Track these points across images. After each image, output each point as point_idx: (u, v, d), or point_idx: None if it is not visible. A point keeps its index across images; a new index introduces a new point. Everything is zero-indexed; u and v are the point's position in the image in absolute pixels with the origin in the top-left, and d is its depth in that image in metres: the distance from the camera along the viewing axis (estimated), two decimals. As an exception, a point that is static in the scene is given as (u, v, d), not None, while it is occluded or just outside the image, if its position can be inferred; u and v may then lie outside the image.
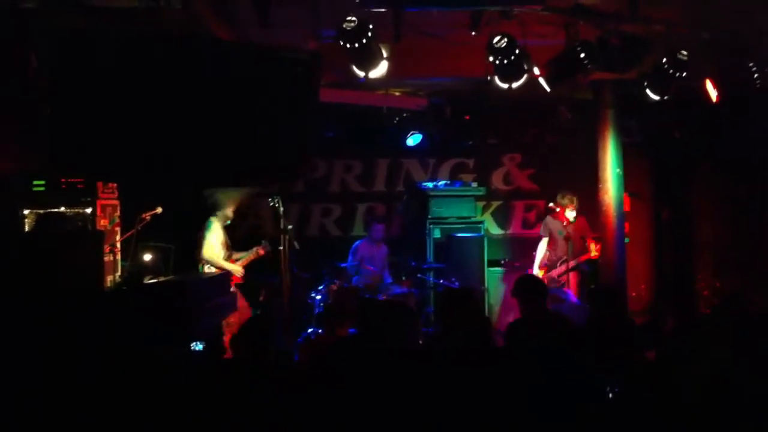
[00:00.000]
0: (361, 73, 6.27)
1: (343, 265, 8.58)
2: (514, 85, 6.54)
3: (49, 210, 6.21)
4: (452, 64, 7.54)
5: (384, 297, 8.01)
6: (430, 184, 9.61)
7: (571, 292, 8.56)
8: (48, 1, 5.88)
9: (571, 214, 8.80)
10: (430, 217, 9.28)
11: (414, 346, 5.71)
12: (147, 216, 6.80)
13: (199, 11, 6.14)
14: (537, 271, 8.91)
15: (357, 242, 9.15)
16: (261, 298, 8.16)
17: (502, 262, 9.78)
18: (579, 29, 6.50)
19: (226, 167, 6.39)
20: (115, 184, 6.64)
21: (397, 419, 3.51)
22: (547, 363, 3.65)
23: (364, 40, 5.91)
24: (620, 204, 8.63)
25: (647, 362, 4.67)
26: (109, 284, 6.22)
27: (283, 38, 6.53)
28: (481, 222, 9.60)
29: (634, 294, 9.59)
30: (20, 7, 5.84)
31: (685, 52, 6.63)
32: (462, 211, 9.41)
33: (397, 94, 9.14)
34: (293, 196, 9.59)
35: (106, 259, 6.05)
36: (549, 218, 9.06)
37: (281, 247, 7.16)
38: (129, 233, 6.73)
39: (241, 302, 7.36)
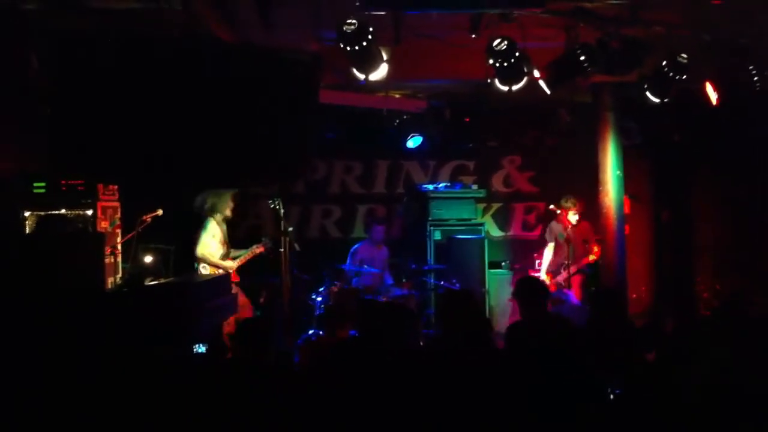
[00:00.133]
0: (362, 76, 6.28)
1: (343, 267, 8.58)
2: (514, 87, 6.55)
3: (49, 212, 6.21)
4: (452, 66, 7.55)
5: (384, 299, 8.00)
6: (430, 186, 9.61)
7: (572, 294, 8.57)
8: (48, 3, 5.88)
9: (573, 217, 8.85)
10: (430, 219, 9.28)
11: (414, 348, 5.71)
12: (147, 218, 6.80)
13: (200, 13, 6.14)
14: (544, 277, 8.94)
15: (357, 245, 9.15)
16: (261, 300, 8.16)
17: (503, 263, 9.77)
18: (579, 32, 6.51)
19: (226, 168, 6.41)
20: (115, 186, 6.64)
21: (398, 420, 3.52)
22: (547, 364, 3.65)
23: (365, 43, 5.92)
24: (620, 206, 8.63)
25: (647, 364, 4.67)
26: (110, 286, 6.22)
27: (284, 40, 6.54)
28: (482, 224, 9.60)
29: (634, 296, 9.59)
30: (21, 8, 5.85)
31: (685, 55, 6.64)
32: (462, 213, 9.41)
33: (397, 96, 9.15)
34: (293, 197, 9.59)
35: (106, 260, 6.05)
36: (553, 223, 9.12)
37: (282, 249, 7.16)
38: (129, 235, 6.73)
39: (242, 299, 7.36)
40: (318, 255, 8.67)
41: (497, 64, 6.32)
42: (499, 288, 9.07)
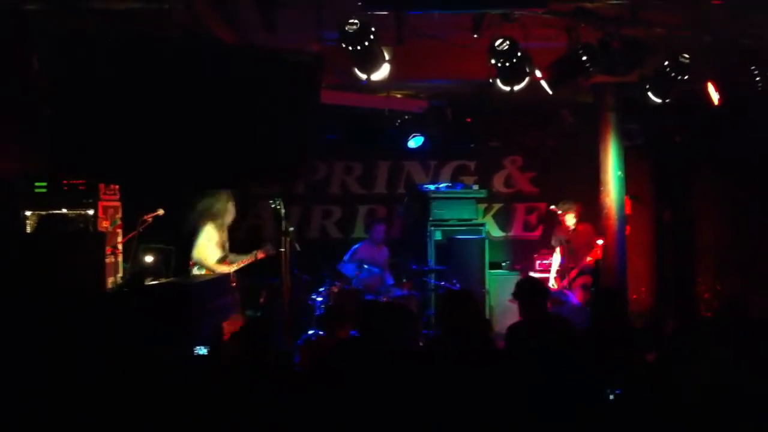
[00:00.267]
0: (363, 76, 6.27)
1: (344, 272, 8.58)
2: (516, 87, 6.55)
3: (50, 211, 6.21)
4: (453, 66, 7.55)
5: (385, 299, 8.00)
6: (431, 187, 9.61)
7: (572, 295, 8.57)
8: (49, 3, 5.89)
9: (571, 221, 8.85)
10: (431, 219, 9.28)
11: (414, 348, 5.71)
12: (149, 218, 6.80)
13: (201, 14, 6.15)
14: (552, 281, 8.97)
15: (357, 244, 9.15)
16: (261, 300, 8.16)
17: (503, 264, 9.77)
18: (580, 32, 6.51)
19: (226, 168, 6.40)
20: (117, 186, 6.64)
21: (398, 420, 3.52)
22: (547, 364, 3.65)
23: (366, 43, 5.92)
24: (621, 207, 8.62)
25: (647, 364, 4.66)
26: (110, 286, 6.22)
27: (285, 40, 6.54)
28: (483, 224, 9.60)
29: (635, 297, 9.59)
30: (21, 8, 5.85)
31: (687, 56, 6.64)
32: (463, 213, 9.41)
33: (399, 96, 9.15)
34: (294, 197, 9.60)
35: (107, 260, 6.05)
36: (556, 227, 9.15)
37: (282, 249, 7.17)
38: (130, 235, 6.73)
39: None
40: (318, 255, 8.67)
41: (499, 64, 6.32)
42: (499, 288, 9.07)
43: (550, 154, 10.12)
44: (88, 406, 3.63)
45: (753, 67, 6.98)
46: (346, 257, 8.93)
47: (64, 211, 6.28)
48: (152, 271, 7.00)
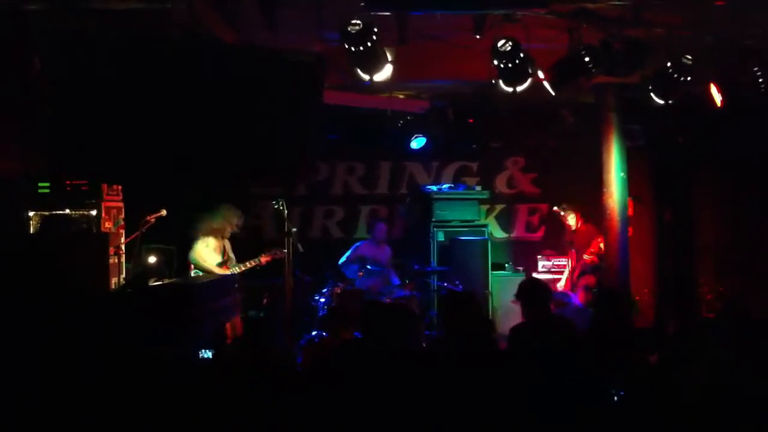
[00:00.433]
0: (366, 77, 6.27)
1: (347, 272, 8.58)
2: (519, 88, 6.54)
3: (54, 212, 6.22)
4: (455, 67, 7.55)
5: (388, 300, 8.00)
6: (434, 187, 9.62)
7: (575, 296, 8.58)
8: (49, 3, 5.89)
9: (571, 221, 8.90)
10: (433, 220, 9.29)
11: (417, 349, 5.71)
12: (151, 218, 6.81)
13: (202, 14, 6.15)
14: (563, 282, 9.08)
15: (359, 242, 9.16)
16: (264, 301, 8.16)
17: (506, 265, 9.77)
18: (582, 33, 6.51)
19: (226, 169, 6.41)
20: (119, 187, 6.66)
21: (400, 421, 3.52)
22: (550, 366, 3.65)
23: (369, 44, 5.92)
24: (624, 208, 8.62)
25: (650, 365, 4.66)
26: (113, 286, 6.23)
27: (286, 41, 6.54)
28: (485, 225, 9.62)
29: (637, 298, 9.58)
30: (21, 8, 5.86)
31: (689, 56, 6.63)
32: (466, 214, 9.42)
33: (401, 97, 9.15)
34: (296, 198, 9.60)
35: (110, 261, 6.06)
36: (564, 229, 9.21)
37: (285, 250, 7.17)
38: (133, 235, 6.74)
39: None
40: (320, 256, 8.68)
41: (501, 65, 6.32)
42: (502, 289, 9.07)
43: (551, 155, 10.12)
44: (92, 406, 3.64)
45: (756, 69, 6.97)
46: (347, 254, 8.93)
47: (67, 211, 6.29)
48: (155, 271, 7.01)
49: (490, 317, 8.51)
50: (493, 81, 6.63)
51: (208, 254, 7.43)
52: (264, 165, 6.54)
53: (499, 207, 10.44)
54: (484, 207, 10.12)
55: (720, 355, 4.14)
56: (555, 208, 9.11)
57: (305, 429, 3.54)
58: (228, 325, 6.62)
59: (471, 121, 9.71)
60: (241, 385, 3.74)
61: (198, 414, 3.55)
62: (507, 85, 6.57)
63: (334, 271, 8.38)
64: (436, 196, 9.41)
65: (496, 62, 6.31)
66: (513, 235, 10.46)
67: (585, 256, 8.76)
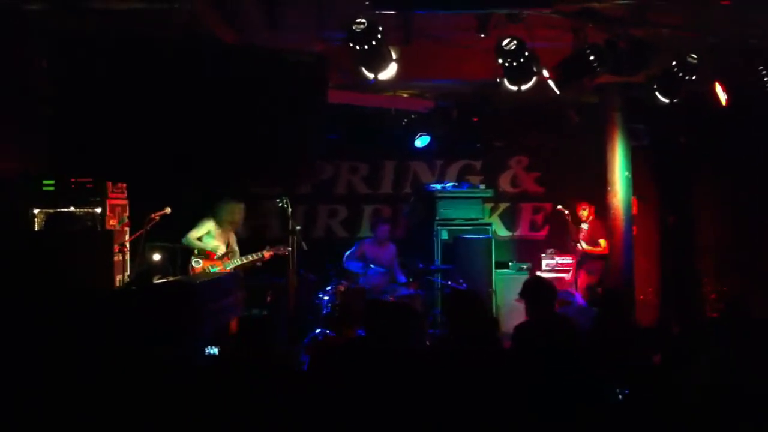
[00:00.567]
0: (371, 75, 6.28)
1: (350, 269, 8.59)
2: (523, 87, 6.55)
3: (58, 210, 6.22)
4: (460, 66, 7.55)
5: (391, 298, 8.01)
6: (437, 186, 9.62)
7: (579, 295, 8.58)
8: (50, 3, 5.89)
9: (584, 213, 9.11)
10: (437, 218, 9.29)
11: (421, 348, 5.72)
12: (156, 216, 6.81)
13: (204, 15, 6.16)
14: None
15: (364, 240, 9.18)
16: (267, 299, 8.17)
17: (510, 264, 9.76)
18: (587, 32, 6.50)
19: (226, 168, 6.42)
20: (124, 184, 6.67)
21: (405, 420, 3.52)
22: (554, 364, 3.65)
23: (374, 42, 5.92)
24: (629, 207, 8.62)
25: (653, 365, 4.66)
26: (118, 283, 6.24)
27: (288, 41, 6.55)
28: (489, 224, 9.61)
29: (641, 297, 9.58)
30: (22, 8, 5.87)
31: (694, 55, 6.63)
32: (469, 212, 9.41)
33: (405, 96, 9.15)
34: (299, 197, 9.60)
35: (115, 258, 6.07)
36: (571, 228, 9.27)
37: (289, 248, 7.18)
38: (138, 233, 6.75)
39: None
40: (324, 255, 8.68)
41: (506, 64, 6.32)
42: (505, 288, 9.07)
43: (555, 154, 10.12)
44: (96, 404, 3.65)
45: (761, 68, 6.96)
46: (350, 252, 8.94)
47: (72, 209, 6.29)
48: (159, 269, 7.02)
49: (494, 315, 8.51)
50: (498, 80, 6.64)
51: (208, 240, 7.54)
52: (264, 165, 6.56)
53: (503, 206, 10.44)
54: (488, 205, 10.11)
55: (722, 354, 4.14)
56: (559, 207, 9.10)
57: (308, 428, 3.54)
58: (233, 323, 6.64)
59: (475, 120, 9.72)
60: (243, 385, 3.74)
61: (200, 413, 3.55)
62: (512, 84, 6.58)
63: (338, 269, 8.38)
64: (440, 195, 9.41)
65: (500, 61, 6.32)
66: (517, 233, 10.45)
67: (586, 246, 8.86)
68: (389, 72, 6.32)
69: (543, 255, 9.73)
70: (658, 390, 3.98)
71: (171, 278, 6.67)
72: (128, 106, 6.07)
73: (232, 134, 6.21)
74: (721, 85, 7.41)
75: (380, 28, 5.90)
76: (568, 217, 9.18)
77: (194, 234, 7.61)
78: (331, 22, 6.19)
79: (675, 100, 7.06)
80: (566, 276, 9.24)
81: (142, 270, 6.38)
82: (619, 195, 8.57)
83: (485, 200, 9.77)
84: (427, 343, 7.31)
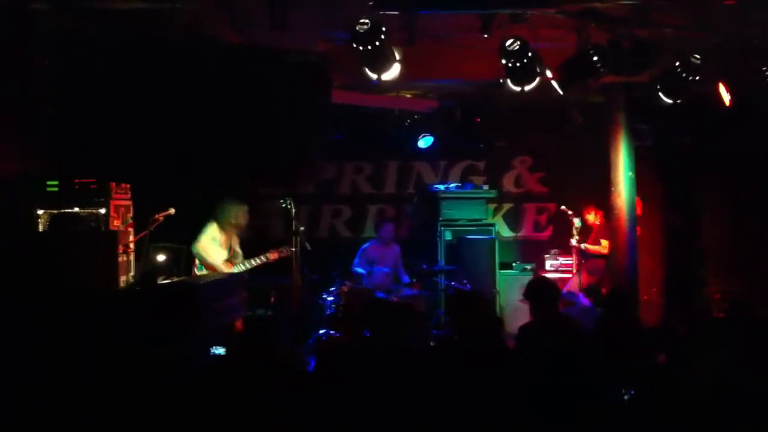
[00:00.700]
0: (374, 76, 6.28)
1: (355, 270, 8.59)
2: (527, 88, 6.55)
3: (62, 210, 6.23)
4: (463, 67, 7.55)
5: (395, 299, 8.01)
6: (441, 186, 9.62)
7: (582, 295, 8.57)
8: (51, 3, 5.90)
9: (590, 217, 9.19)
10: (441, 219, 9.30)
11: (425, 348, 5.71)
12: (160, 217, 6.82)
13: (207, 15, 6.16)
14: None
15: (365, 244, 9.17)
16: (271, 300, 8.17)
17: (514, 264, 9.76)
18: (590, 33, 6.50)
19: (226, 168, 6.43)
20: (128, 185, 6.67)
21: (410, 420, 3.52)
22: (558, 365, 3.65)
23: (377, 43, 5.93)
24: (633, 207, 8.61)
25: (658, 366, 4.66)
26: (122, 284, 6.25)
27: (292, 41, 6.55)
28: (492, 224, 9.61)
29: (645, 297, 9.56)
30: (22, 8, 5.87)
31: (698, 56, 6.62)
32: (473, 213, 9.42)
33: (409, 96, 9.16)
34: (303, 197, 9.60)
35: (119, 259, 6.07)
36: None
37: (293, 248, 7.18)
38: (142, 234, 6.76)
39: None
40: (328, 255, 8.69)
41: (510, 64, 6.32)
42: (509, 288, 9.07)
43: (559, 155, 10.11)
44: (100, 404, 3.65)
45: (765, 68, 6.94)
46: (355, 260, 8.94)
47: (76, 210, 6.29)
48: (164, 269, 7.02)
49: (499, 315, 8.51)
50: (502, 80, 6.64)
51: (214, 249, 7.43)
52: (264, 165, 6.56)
53: (506, 206, 10.43)
54: (492, 206, 10.11)
55: (727, 355, 4.14)
56: (563, 207, 9.09)
57: (314, 429, 3.54)
58: (238, 323, 6.64)
59: (478, 120, 9.71)
60: (248, 385, 3.75)
61: (203, 413, 3.56)
62: (515, 84, 6.57)
63: (342, 269, 8.38)
64: (443, 195, 9.42)
65: (504, 61, 6.32)
66: (520, 234, 10.44)
67: (589, 246, 8.88)
68: (392, 72, 6.33)
69: (547, 255, 9.73)
70: (663, 390, 3.97)
71: (175, 279, 6.67)
72: (128, 107, 6.08)
73: (233, 134, 6.21)
74: (725, 85, 7.40)
75: (383, 29, 5.90)
76: (572, 217, 9.16)
77: (203, 244, 7.43)
78: (335, 22, 6.19)
79: (679, 101, 7.05)
80: (569, 276, 9.22)
81: (147, 270, 6.39)
82: (623, 195, 8.56)
83: (489, 201, 9.77)
84: (431, 343, 7.30)
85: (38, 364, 3.97)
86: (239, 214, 7.53)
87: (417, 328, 4.94)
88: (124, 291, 5.80)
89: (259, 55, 6.41)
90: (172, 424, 3.55)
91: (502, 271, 9.21)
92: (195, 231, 7.55)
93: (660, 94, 7.04)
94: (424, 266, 8.71)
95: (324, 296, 8.03)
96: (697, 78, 6.73)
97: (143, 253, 6.64)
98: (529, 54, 6.23)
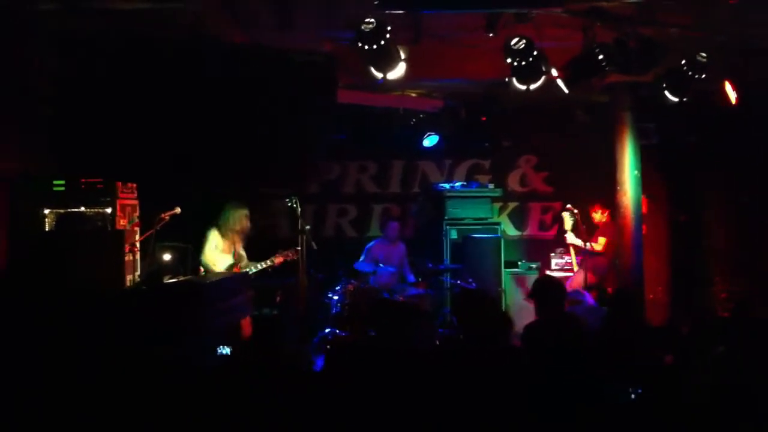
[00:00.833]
0: (379, 75, 6.29)
1: (357, 267, 8.60)
2: (532, 87, 6.55)
3: (69, 210, 6.25)
4: (468, 66, 7.55)
5: (401, 298, 8.01)
6: (446, 185, 9.63)
7: (588, 294, 8.55)
8: (52, 4, 5.91)
9: (595, 215, 9.12)
10: (446, 218, 9.30)
11: (430, 347, 5.72)
12: (166, 216, 6.83)
13: (211, 15, 6.17)
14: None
15: (371, 242, 9.18)
16: (277, 299, 8.18)
17: (519, 263, 9.76)
18: (596, 32, 6.49)
19: (228, 168, 6.44)
20: (134, 184, 6.69)
21: (415, 419, 3.53)
22: (564, 364, 3.65)
23: (383, 42, 5.93)
24: (638, 206, 8.61)
25: (664, 365, 4.66)
26: (129, 283, 6.26)
27: (297, 40, 6.55)
28: (498, 223, 9.62)
29: (651, 296, 9.55)
30: (24, 8, 5.89)
31: (704, 54, 6.61)
32: (478, 212, 9.42)
33: (414, 95, 9.16)
34: (309, 196, 9.62)
35: (126, 258, 6.09)
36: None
37: (298, 248, 7.19)
38: (148, 233, 6.77)
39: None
40: (334, 254, 8.70)
41: (515, 64, 6.32)
42: (514, 287, 9.07)
43: (564, 154, 10.10)
44: (105, 403, 3.67)
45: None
46: (361, 258, 8.95)
47: (82, 209, 6.31)
48: (170, 269, 7.03)
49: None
50: (507, 79, 6.64)
51: (218, 257, 7.45)
52: (265, 165, 6.56)
53: (512, 205, 10.43)
54: (497, 205, 10.11)
55: (733, 354, 4.13)
56: (568, 206, 9.08)
57: (318, 428, 3.55)
58: (244, 323, 6.65)
59: (483, 119, 9.71)
60: (253, 384, 3.75)
61: (207, 413, 3.57)
62: (520, 83, 6.57)
63: (348, 268, 8.39)
64: (448, 194, 9.42)
65: (509, 60, 6.31)
66: (526, 233, 10.44)
67: (595, 245, 8.85)
68: (398, 72, 6.33)
69: (552, 254, 9.72)
70: (669, 390, 3.97)
71: (181, 278, 6.68)
72: (129, 107, 6.09)
73: (237, 134, 6.22)
74: (730, 83, 7.39)
75: (389, 28, 5.91)
76: (578, 216, 9.15)
77: (208, 255, 7.43)
78: (340, 22, 6.19)
79: (684, 99, 7.04)
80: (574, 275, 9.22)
81: (153, 270, 6.39)
82: (629, 194, 8.56)
83: (494, 199, 9.78)
84: (437, 342, 7.31)
85: (46, 362, 3.98)
86: (240, 218, 7.51)
87: (423, 327, 4.94)
88: (130, 290, 5.81)
89: (262, 55, 6.41)
90: (182, 423, 3.56)
91: (507, 269, 9.21)
92: (199, 233, 7.57)
93: (666, 92, 7.03)
94: (430, 265, 8.71)
95: (330, 295, 8.05)
96: (703, 76, 6.73)
97: (149, 252, 6.66)
98: (535, 53, 6.23)
